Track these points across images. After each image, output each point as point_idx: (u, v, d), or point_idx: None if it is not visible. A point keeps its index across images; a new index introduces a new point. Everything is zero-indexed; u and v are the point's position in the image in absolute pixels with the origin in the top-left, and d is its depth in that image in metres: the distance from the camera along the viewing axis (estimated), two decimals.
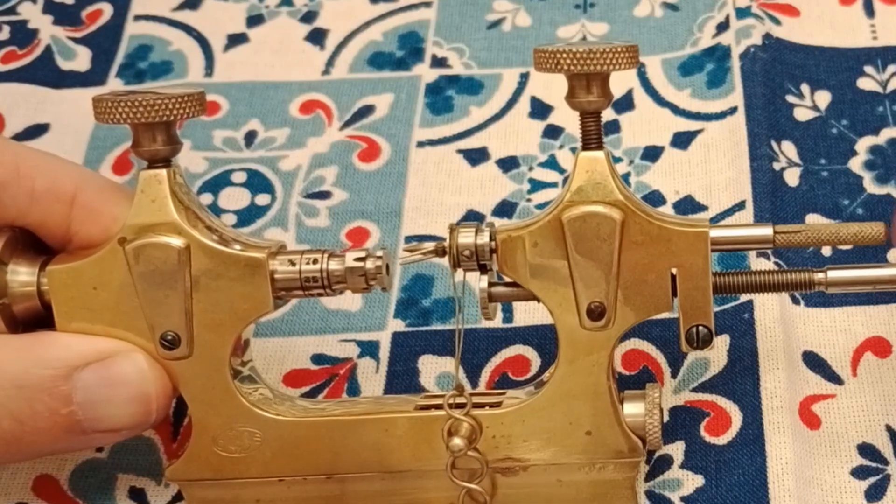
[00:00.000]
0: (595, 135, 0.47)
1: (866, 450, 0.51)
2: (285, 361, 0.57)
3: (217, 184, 0.63)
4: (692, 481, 0.51)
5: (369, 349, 0.57)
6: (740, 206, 0.59)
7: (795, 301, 0.56)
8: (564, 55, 0.46)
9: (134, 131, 0.47)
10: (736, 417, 0.52)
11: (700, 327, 0.48)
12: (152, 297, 0.48)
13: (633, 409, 0.49)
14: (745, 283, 0.49)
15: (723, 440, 0.52)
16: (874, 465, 0.51)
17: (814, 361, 0.54)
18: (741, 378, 0.53)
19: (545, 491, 0.50)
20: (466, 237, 0.48)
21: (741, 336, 0.54)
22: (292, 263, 0.48)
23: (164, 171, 0.48)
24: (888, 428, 0.52)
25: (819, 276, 0.49)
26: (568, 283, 0.47)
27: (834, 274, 0.49)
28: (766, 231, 0.49)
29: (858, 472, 0.51)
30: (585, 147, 0.47)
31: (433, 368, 0.56)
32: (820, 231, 0.48)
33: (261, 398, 0.50)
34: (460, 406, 0.49)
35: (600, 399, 0.48)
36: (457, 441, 0.48)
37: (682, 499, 0.51)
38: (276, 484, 0.50)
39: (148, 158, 0.48)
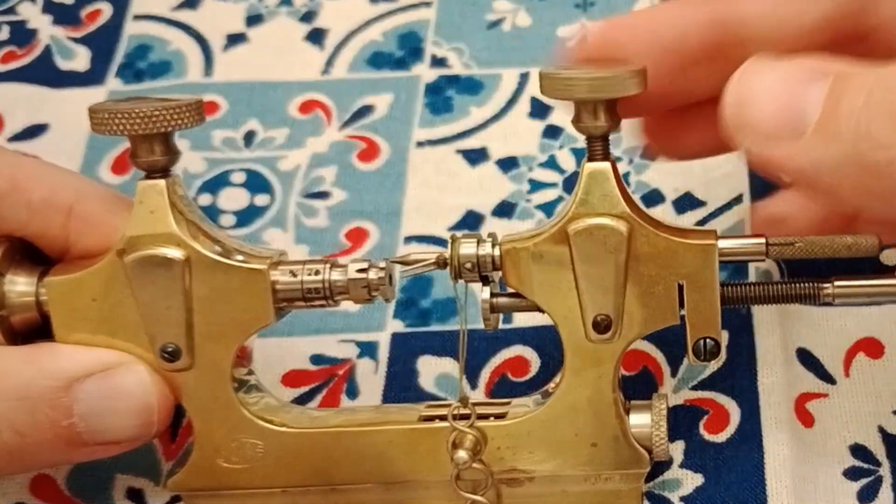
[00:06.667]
0: (601, 154, 0.47)
1: (858, 451, 0.51)
2: (284, 361, 0.56)
3: (216, 184, 0.63)
4: (691, 480, 0.51)
5: (368, 350, 0.56)
6: (738, 200, 0.59)
7: None
8: (577, 82, 0.45)
9: (131, 142, 0.47)
10: (734, 414, 0.52)
11: (708, 340, 0.48)
12: (152, 309, 0.47)
13: (639, 420, 0.49)
14: (752, 295, 0.49)
15: (721, 438, 0.52)
16: (866, 466, 0.51)
17: (807, 359, 0.54)
18: (739, 374, 0.53)
19: (550, 501, 0.50)
20: (468, 248, 0.48)
21: (739, 331, 0.54)
22: (294, 274, 0.48)
23: (162, 182, 0.47)
24: (881, 429, 0.52)
25: (826, 288, 0.48)
26: (574, 296, 0.47)
27: (841, 285, 0.48)
28: (758, 242, 0.48)
29: (851, 473, 0.51)
30: (591, 159, 0.47)
31: (432, 369, 0.56)
32: (813, 243, 0.48)
33: (265, 407, 0.50)
34: (465, 417, 0.48)
35: (606, 411, 0.48)
36: (462, 454, 0.48)
37: (682, 499, 0.51)
38: (279, 495, 0.50)
39: (146, 169, 0.47)
